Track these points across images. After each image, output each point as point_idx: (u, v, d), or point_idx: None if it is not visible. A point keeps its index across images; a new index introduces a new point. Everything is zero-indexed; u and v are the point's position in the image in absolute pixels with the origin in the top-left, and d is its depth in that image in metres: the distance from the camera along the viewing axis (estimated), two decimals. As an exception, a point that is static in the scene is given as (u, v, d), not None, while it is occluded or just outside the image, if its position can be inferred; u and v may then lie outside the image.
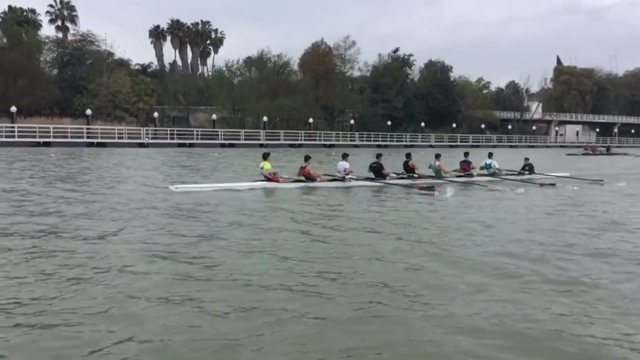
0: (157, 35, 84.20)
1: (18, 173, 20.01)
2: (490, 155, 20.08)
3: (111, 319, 5.00)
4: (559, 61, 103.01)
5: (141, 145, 49.21)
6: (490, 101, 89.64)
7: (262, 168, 15.80)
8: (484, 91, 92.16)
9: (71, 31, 72.36)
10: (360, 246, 8.05)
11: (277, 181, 15.60)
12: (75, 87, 61.68)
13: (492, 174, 19.18)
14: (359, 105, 72.74)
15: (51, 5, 72.89)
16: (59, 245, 7.86)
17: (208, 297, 5.56)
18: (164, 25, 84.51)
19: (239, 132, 58.44)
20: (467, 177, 18.43)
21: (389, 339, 4.65)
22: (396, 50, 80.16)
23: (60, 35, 71.43)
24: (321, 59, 71.00)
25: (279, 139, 58.61)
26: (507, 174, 19.75)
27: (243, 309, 5.28)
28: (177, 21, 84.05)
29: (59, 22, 73.19)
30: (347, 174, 16.55)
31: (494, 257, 7.39)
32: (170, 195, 13.62)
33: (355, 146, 60.45)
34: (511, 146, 75.19)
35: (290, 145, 56.84)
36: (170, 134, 54.05)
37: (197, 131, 55.98)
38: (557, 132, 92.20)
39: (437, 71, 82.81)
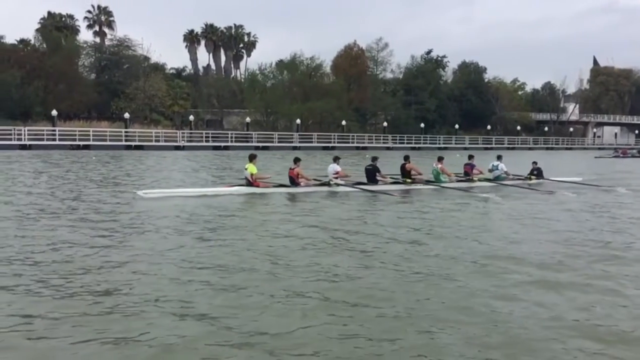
0: (191, 39, 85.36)
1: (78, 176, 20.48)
2: (498, 157, 19.37)
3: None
4: (595, 62, 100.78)
5: (177, 147, 49.90)
6: (525, 102, 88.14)
7: (245, 170, 15.04)
8: (519, 92, 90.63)
9: (108, 36, 73.98)
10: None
11: (257, 186, 14.85)
12: (112, 90, 62.91)
13: (497, 177, 18.57)
14: (392, 108, 72.40)
15: (89, 11, 74.68)
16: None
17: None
18: (198, 29, 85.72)
19: (272, 134, 58.78)
20: (464, 182, 17.85)
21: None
22: (429, 51, 79.63)
23: (97, 40, 73.04)
24: (354, 61, 70.91)
25: (311, 142, 58.72)
26: (513, 179, 18.94)
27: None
28: (211, 25, 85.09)
29: (97, 28, 74.84)
30: (337, 177, 15.94)
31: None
32: (136, 201, 13.07)
33: (388, 148, 60.23)
34: (548, 148, 73.96)
35: (324, 148, 56.90)
36: (206, 137, 54.70)
37: (231, 134, 56.51)
38: (594, 134, 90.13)
39: (470, 72, 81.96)
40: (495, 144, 71.24)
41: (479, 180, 18.22)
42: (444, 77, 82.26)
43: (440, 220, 10.97)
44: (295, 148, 54.91)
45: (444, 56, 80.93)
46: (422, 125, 68.91)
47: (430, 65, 77.51)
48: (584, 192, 16.79)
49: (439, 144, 66.71)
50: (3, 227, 9.42)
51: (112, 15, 75.46)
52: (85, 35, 73.75)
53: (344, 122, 63.61)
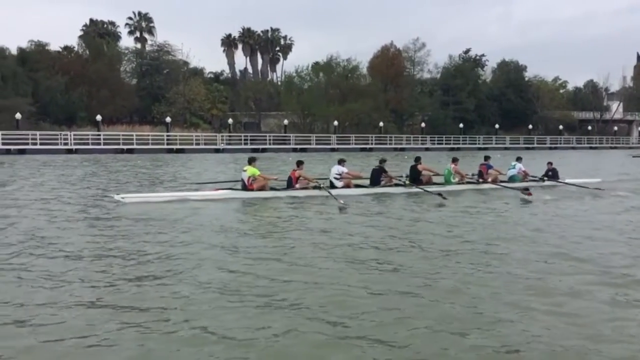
0: (228, 43, 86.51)
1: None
2: (518, 159, 19.15)
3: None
4: (639, 58, 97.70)
5: (217, 150, 50.46)
6: (567, 101, 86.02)
7: (244, 172, 14.71)
8: (561, 91, 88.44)
9: (149, 42, 75.61)
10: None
11: (252, 189, 14.47)
12: (153, 95, 64.16)
13: (511, 178, 18.26)
14: (429, 108, 71.73)
15: (130, 18, 76.48)
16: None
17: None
18: (235, 33, 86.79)
19: (310, 136, 58.88)
20: (468, 184, 17.41)
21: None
22: (467, 50, 78.62)
23: (138, 46, 74.66)
24: (390, 62, 70.50)
25: (349, 143, 58.59)
26: (528, 180, 18.48)
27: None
28: (248, 29, 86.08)
29: (138, 34, 76.57)
30: (340, 179, 15.56)
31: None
32: (114, 207, 12.67)
33: (427, 149, 59.57)
34: (591, 147, 71.98)
35: (362, 149, 56.68)
36: (244, 140, 55.18)
37: (269, 136, 56.85)
38: (639, 132, 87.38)
39: (510, 71, 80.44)
40: (537, 143, 69.70)
41: (492, 182, 17.65)
42: (483, 76, 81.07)
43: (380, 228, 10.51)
44: (333, 150, 54.87)
45: (483, 55, 79.96)
46: (461, 125, 67.93)
47: (469, 64, 76.48)
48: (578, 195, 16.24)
49: (479, 144, 65.62)
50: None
51: (152, 22, 77.19)
52: (127, 42, 75.64)
53: (381, 124, 63.26)
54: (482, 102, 73.42)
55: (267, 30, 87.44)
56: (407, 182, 16.27)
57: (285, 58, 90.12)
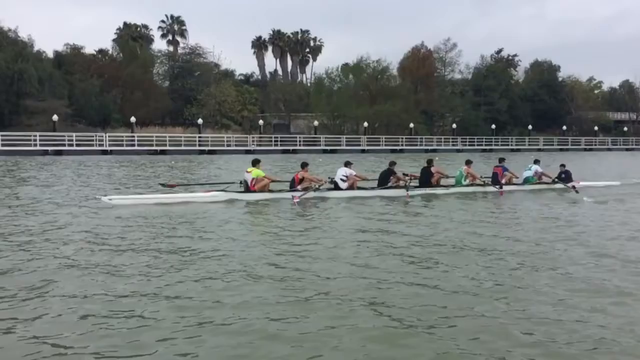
0: (259, 45, 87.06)
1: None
2: (536, 161, 18.92)
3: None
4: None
5: (248, 152, 50.65)
6: (602, 102, 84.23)
7: (247, 173, 14.58)
8: (596, 91, 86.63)
9: (181, 44, 76.48)
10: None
11: (254, 190, 14.39)
12: (185, 97, 64.95)
13: (526, 179, 18.16)
14: (460, 109, 71.00)
15: (163, 21, 77.52)
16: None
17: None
18: (265, 36, 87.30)
19: (340, 138, 58.80)
20: (479, 186, 17.05)
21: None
22: (499, 50, 77.76)
23: (171, 48, 75.68)
24: (421, 63, 70.02)
25: (379, 144, 58.34)
26: (543, 182, 18.39)
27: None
28: (278, 31, 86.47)
29: (170, 37, 77.56)
30: (346, 181, 15.43)
31: None
32: (98, 210, 12.36)
33: (458, 151, 58.97)
34: (627, 149, 70.27)
35: (392, 151, 56.36)
36: (275, 141, 55.41)
37: (299, 138, 56.97)
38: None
39: (543, 71, 79.23)
40: (572, 145, 68.36)
41: (506, 184, 17.41)
42: (515, 76, 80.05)
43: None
44: (363, 151, 54.75)
45: (515, 55, 79.00)
46: (493, 126, 66.98)
47: (501, 64, 75.66)
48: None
49: (512, 145, 64.60)
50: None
51: (184, 25, 78.07)
52: (159, 45, 76.72)
53: (411, 125, 62.79)
54: (514, 103, 72.45)
55: (297, 32, 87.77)
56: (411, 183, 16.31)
57: (314, 59, 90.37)
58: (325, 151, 53.80)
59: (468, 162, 17.55)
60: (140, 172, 25.86)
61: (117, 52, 67.93)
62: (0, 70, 52.05)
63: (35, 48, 59.48)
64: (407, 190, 15.52)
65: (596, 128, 75.20)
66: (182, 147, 48.72)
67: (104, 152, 44.07)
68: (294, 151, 53.05)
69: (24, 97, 52.03)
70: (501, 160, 18.40)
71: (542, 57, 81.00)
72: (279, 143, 55.07)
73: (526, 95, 75.21)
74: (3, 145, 41.52)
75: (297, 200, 13.57)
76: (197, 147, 49.55)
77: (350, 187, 15.57)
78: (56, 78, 56.42)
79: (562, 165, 19.02)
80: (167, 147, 47.45)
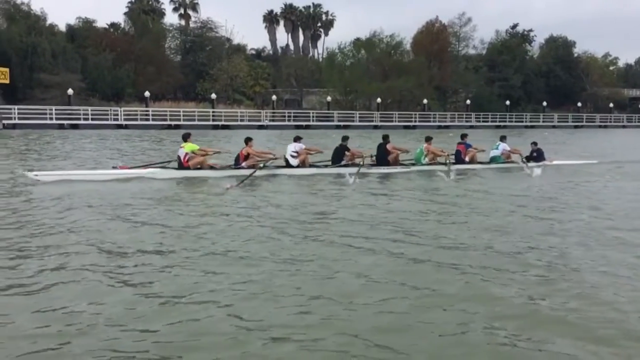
0: (270, 19, 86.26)
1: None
2: (502, 138, 17.75)
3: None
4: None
5: (261, 127, 50.72)
6: (618, 78, 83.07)
7: (181, 148, 13.67)
8: (611, 67, 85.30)
9: (192, 18, 75.83)
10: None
11: (189, 167, 13.48)
12: (197, 72, 64.72)
13: (493, 158, 17.19)
14: (474, 85, 70.34)
15: (174, -6, 76.68)
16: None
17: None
18: (277, 10, 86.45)
19: (353, 114, 58.56)
20: (438, 165, 16.08)
21: None
22: (514, 25, 76.60)
23: (182, 22, 75.09)
24: (435, 38, 69.14)
25: (392, 121, 58.07)
26: (510, 162, 17.51)
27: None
28: (290, 5, 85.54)
29: (182, 10, 76.80)
30: (297, 157, 14.67)
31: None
32: (27, 185, 11.92)
33: (472, 127, 58.57)
34: (643, 126, 69.58)
35: (405, 127, 56.16)
36: (288, 116, 55.32)
37: (312, 113, 56.80)
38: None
39: (558, 47, 78.04)
40: (586, 122, 67.74)
41: (470, 162, 16.69)
42: (530, 52, 78.94)
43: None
44: (375, 127, 54.51)
45: (530, 30, 77.72)
46: (507, 102, 66.31)
47: (516, 40, 74.55)
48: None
49: (526, 122, 63.99)
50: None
51: (196, -2, 77.22)
52: (171, 18, 76.04)
53: (425, 101, 62.33)
54: (529, 79, 71.71)
55: (309, 6, 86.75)
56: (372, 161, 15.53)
57: (326, 34, 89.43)
58: (338, 127, 53.62)
59: (428, 139, 16.48)
60: (147, 145, 25.97)
61: (129, 26, 67.56)
62: (14, 43, 52.13)
63: (48, 22, 59.42)
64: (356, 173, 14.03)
65: (611, 105, 74.28)
66: (196, 122, 48.78)
67: (119, 127, 44.28)
68: (307, 126, 52.95)
69: (37, 71, 52.08)
70: (463, 136, 17.40)
71: (557, 33, 79.98)
72: (292, 118, 55.00)
73: (541, 71, 74.30)
74: (20, 118, 41.81)
75: (229, 187, 11.86)
76: (211, 122, 49.60)
77: (302, 164, 14.78)
78: (69, 52, 56.39)
79: (534, 143, 18.15)
80: (181, 122, 47.52)
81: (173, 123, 46.87)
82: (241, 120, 51.59)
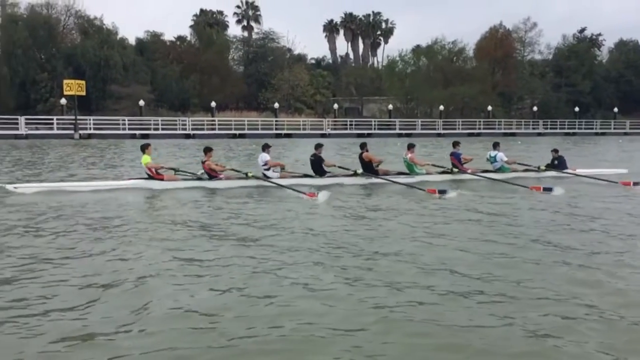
0: (330, 29, 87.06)
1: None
2: (495, 145, 15.85)
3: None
4: None
5: (323, 135, 50.90)
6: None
7: (142, 163, 13.16)
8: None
9: (255, 30, 77.46)
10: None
11: (161, 179, 12.95)
12: (259, 82, 65.91)
13: (500, 170, 15.33)
14: (540, 91, 68.42)
15: (238, 7, 78.58)
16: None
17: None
18: (337, 19, 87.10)
19: (415, 121, 57.99)
20: (447, 174, 14.98)
21: None
22: (582, 30, 74.16)
23: (245, 34, 76.79)
24: (499, 44, 67.67)
25: (455, 128, 57.10)
26: (526, 170, 15.91)
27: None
28: (350, 14, 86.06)
29: (245, 22, 78.60)
30: (268, 169, 13.63)
31: None
32: (6, 197, 11.58)
33: (539, 134, 57.06)
34: None
35: (469, 134, 55.10)
36: (349, 125, 55.42)
37: (374, 121, 56.65)
38: None
39: (629, 51, 74.86)
40: (662, 128, 64.58)
41: (472, 173, 15.12)
42: (599, 57, 76.07)
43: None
44: (439, 135, 53.86)
45: (599, 34, 75.00)
46: (577, 109, 64.00)
47: (584, 44, 72.01)
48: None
49: (596, 129, 61.51)
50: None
51: (258, 10, 78.97)
52: (234, 30, 78.00)
53: (489, 108, 61.02)
54: (598, 85, 69.13)
55: (369, 15, 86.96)
56: (359, 172, 14.17)
57: (386, 42, 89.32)
58: (400, 135, 53.25)
59: (410, 147, 15.00)
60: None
61: (194, 39, 69.56)
62: (88, 57, 54.66)
63: (119, 36, 61.88)
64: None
65: (688, 110, 70.51)
66: (259, 131, 49.55)
67: (187, 136, 45.51)
68: (369, 135, 52.82)
69: (109, 83, 54.41)
70: (455, 144, 15.63)
71: (627, 36, 76.80)
72: (353, 127, 55.05)
73: (610, 76, 71.41)
74: (95, 129, 43.73)
75: (312, 196, 11.47)
76: (274, 131, 50.25)
77: (282, 176, 13.79)
78: (139, 64, 58.69)
79: (555, 151, 16.28)
80: (246, 131, 48.40)
81: (238, 132, 47.81)
82: (303, 129, 52.01)
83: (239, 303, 5.42)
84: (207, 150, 13.38)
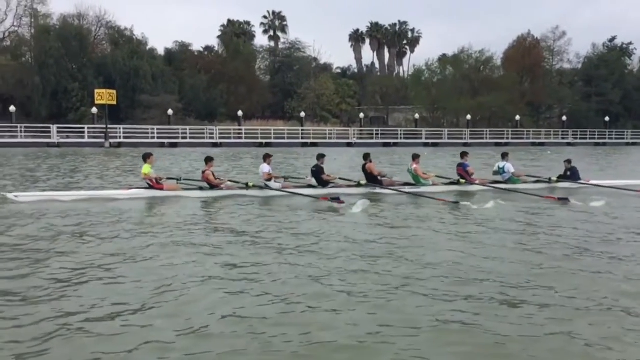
0: (356, 38, 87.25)
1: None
2: (504, 156, 15.33)
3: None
4: None
5: (349, 144, 50.93)
6: None
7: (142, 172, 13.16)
8: None
9: (281, 40, 78.10)
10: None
11: (161, 189, 12.86)
12: (285, 91, 66.40)
13: (508, 181, 14.80)
14: (569, 100, 67.52)
15: (265, 17, 79.29)
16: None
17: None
18: (363, 28, 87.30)
19: (442, 131, 57.66)
20: (455, 185, 14.57)
21: None
22: (612, 39, 72.91)
23: (272, 44, 77.47)
24: (527, 53, 67.05)
25: (483, 138, 56.58)
26: (537, 181, 15.49)
27: None
28: (376, 24, 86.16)
29: (272, 32, 79.26)
30: (269, 180, 13.40)
31: None
32: (8, 205, 11.53)
33: (569, 144, 56.20)
34: None
35: (496, 144, 54.51)
36: (375, 134, 55.37)
37: (400, 131, 56.49)
38: None
39: (661, 59, 73.54)
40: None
41: (481, 184, 14.68)
42: (630, 66, 74.78)
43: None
44: (465, 144, 53.20)
45: (630, 43, 73.64)
46: (607, 118, 62.90)
47: (615, 53, 70.83)
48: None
49: (627, 139, 60.38)
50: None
51: (285, 20, 79.56)
52: (261, 40, 78.64)
53: (517, 117, 60.36)
54: (628, 94, 67.99)
55: (395, 24, 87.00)
56: (362, 182, 13.96)
57: (412, 51, 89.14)
58: (426, 144, 52.96)
59: (415, 157, 14.57)
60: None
61: (222, 49, 70.39)
62: (119, 67, 55.74)
63: (148, 46, 63.03)
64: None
65: None
66: (286, 140, 49.80)
67: (215, 145, 45.91)
68: (395, 144, 52.70)
69: (139, 93, 55.30)
70: (463, 155, 15.04)
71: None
72: (379, 136, 54.97)
73: (641, 85, 70.26)
74: (124, 137, 44.49)
75: (336, 204, 11.70)
76: (300, 140, 50.45)
77: (284, 186, 13.61)
78: (167, 74, 59.60)
79: (568, 161, 15.67)
80: (272, 140, 48.70)
81: (264, 141, 48.07)
82: (329, 138, 52.11)
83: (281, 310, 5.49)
84: (208, 160, 13.29)
